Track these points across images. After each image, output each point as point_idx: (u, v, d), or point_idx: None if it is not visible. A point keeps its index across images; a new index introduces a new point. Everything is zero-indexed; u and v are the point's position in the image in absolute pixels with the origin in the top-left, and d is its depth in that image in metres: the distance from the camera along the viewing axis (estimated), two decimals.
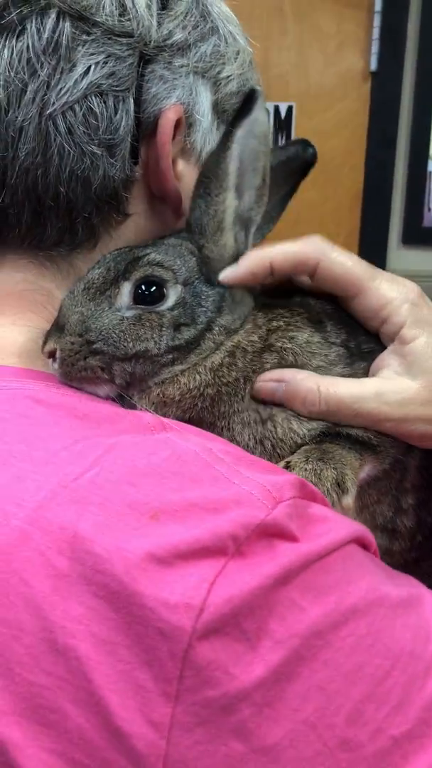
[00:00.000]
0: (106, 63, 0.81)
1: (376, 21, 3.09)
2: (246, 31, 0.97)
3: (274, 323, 0.85)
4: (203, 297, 0.82)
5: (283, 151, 0.94)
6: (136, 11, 0.82)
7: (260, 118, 0.80)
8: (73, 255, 0.87)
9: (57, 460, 0.63)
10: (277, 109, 3.25)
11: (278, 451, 0.83)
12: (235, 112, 0.80)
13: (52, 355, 0.78)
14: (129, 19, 0.82)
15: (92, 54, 0.80)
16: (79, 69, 0.79)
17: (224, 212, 0.82)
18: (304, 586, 0.60)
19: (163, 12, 0.85)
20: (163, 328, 0.79)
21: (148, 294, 0.80)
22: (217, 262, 0.83)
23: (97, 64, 0.80)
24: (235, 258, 0.84)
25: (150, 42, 0.83)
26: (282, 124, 3.28)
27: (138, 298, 0.80)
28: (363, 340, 0.88)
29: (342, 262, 0.85)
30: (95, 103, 0.80)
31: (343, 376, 0.85)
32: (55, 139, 0.80)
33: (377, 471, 0.88)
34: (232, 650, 0.56)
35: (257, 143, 0.82)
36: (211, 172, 0.82)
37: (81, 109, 0.80)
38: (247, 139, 0.81)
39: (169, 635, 0.55)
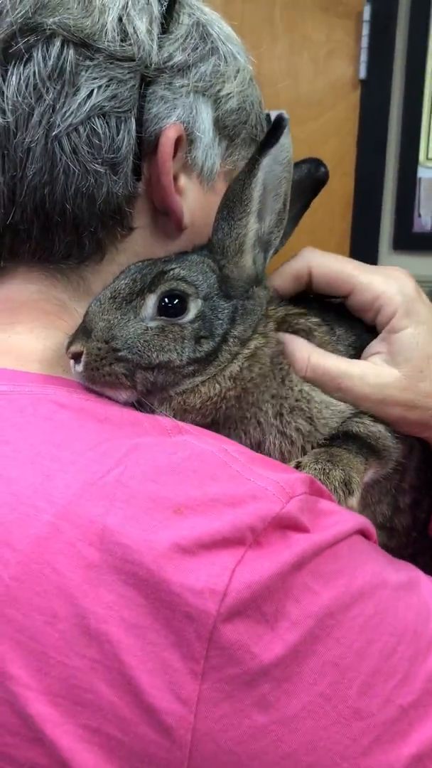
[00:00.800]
0: (109, 86, 0.84)
1: (365, 30, 3.09)
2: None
3: (285, 326, 0.90)
4: (220, 311, 0.85)
5: (296, 169, 0.96)
6: (137, 36, 0.85)
7: (285, 145, 0.83)
8: (81, 267, 0.90)
9: (83, 460, 0.66)
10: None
11: (298, 421, 0.87)
12: (262, 140, 0.83)
13: (76, 356, 0.80)
14: (130, 44, 0.85)
15: (95, 78, 0.83)
16: (83, 92, 0.83)
17: (245, 236, 0.86)
18: (316, 572, 0.65)
19: (164, 36, 0.88)
20: (185, 341, 0.82)
21: (171, 306, 0.83)
22: (235, 281, 0.87)
23: (99, 87, 0.83)
24: (253, 278, 0.88)
25: (151, 65, 0.86)
26: None
27: (161, 310, 0.83)
28: (367, 338, 0.92)
29: (330, 264, 0.91)
30: (98, 124, 0.83)
31: None
32: (60, 159, 0.83)
33: (379, 475, 0.92)
34: (253, 631, 0.60)
35: (281, 169, 0.85)
36: (235, 196, 0.84)
37: (85, 130, 0.83)
38: (272, 165, 0.84)
39: (196, 618, 0.59)
